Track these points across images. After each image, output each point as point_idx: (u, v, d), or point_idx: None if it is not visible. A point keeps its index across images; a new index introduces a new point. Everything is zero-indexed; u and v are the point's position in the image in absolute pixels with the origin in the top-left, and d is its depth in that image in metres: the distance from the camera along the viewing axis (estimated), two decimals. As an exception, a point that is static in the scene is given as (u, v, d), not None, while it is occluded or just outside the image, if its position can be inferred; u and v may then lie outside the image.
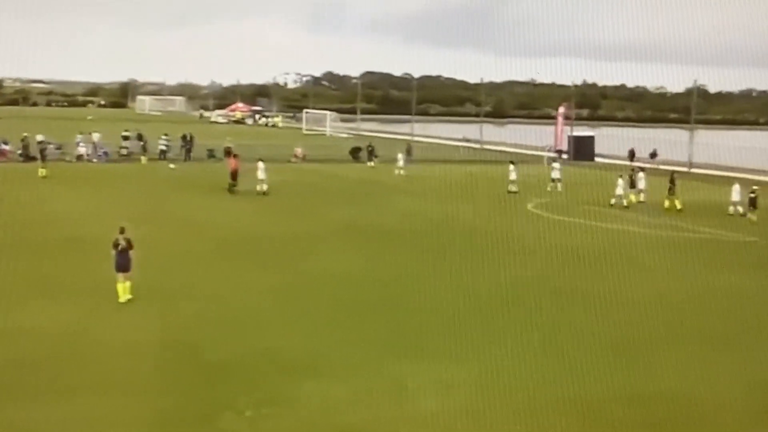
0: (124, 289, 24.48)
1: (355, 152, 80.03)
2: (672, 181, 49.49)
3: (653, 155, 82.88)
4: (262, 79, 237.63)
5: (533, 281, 29.00)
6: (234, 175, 50.74)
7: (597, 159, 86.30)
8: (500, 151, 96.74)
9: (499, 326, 23.14)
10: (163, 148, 73.29)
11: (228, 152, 72.19)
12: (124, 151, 74.15)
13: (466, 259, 32.56)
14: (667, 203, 48.74)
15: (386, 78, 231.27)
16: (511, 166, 56.69)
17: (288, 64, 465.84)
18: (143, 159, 69.95)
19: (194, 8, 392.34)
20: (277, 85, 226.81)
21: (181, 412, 16.90)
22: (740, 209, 46.69)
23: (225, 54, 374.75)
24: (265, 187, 50.70)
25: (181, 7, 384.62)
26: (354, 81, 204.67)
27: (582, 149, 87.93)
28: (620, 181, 50.53)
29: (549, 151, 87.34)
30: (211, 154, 73.86)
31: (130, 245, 24.58)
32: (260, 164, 51.88)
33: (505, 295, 26.88)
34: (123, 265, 24.48)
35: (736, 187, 47.70)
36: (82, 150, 69.92)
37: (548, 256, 33.77)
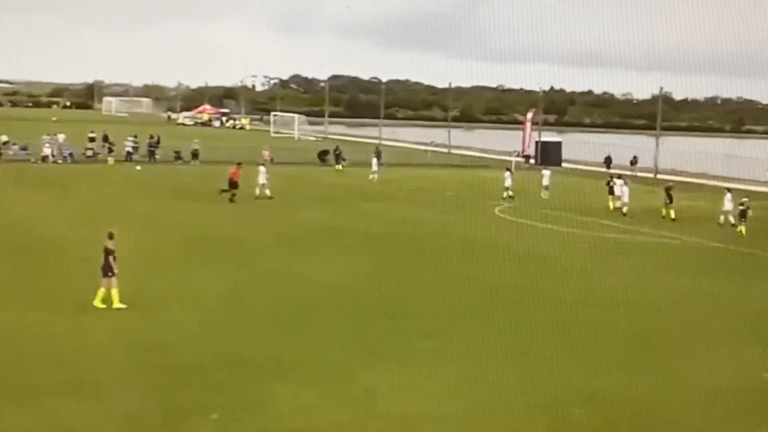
0: (99, 295, 23.95)
1: (322, 155, 79.87)
2: (668, 192, 48.77)
3: (633, 162, 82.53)
4: (229, 82, 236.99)
5: (513, 287, 28.97)
6: (233, 183, 48.70)
7: (564, 164, 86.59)
8: (468, 156, 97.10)
9: (469, 329, 23.10)
10: (130, 149, 72.76)
11: (194, 154, 72.03)
12: (89, 152, 73.48)
13: (439, 263, 32.61)
14: (663, 212, 48.25)
15: (354, 81, 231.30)
16: (507, 173, 56.35)
17: (256, 67, 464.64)
18: (110, 160, 69.36)
19: (161, 9, 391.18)
20: (244, 87, 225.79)
21: (147, 415, 16.66)
22: (731, 219, 45.53)
23: (192, 56, 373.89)
24: (267, 191, 50.21)
25: (149, 8, 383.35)
26: (322, 84, 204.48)
27: (549, 154, 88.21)
28: (625, 189, 50.16)
29: (516, 156, 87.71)
30: (177, 156, 73.42)
31: (110, 251, 24.05)
32: (261, 168, 51.64)
33: (478, 299, 26.92)
34: (105, 270, 24.05)
35: (728, 196, 46.70)
36: (47, 151, 69.17)
37: (519, 261, 33.83)
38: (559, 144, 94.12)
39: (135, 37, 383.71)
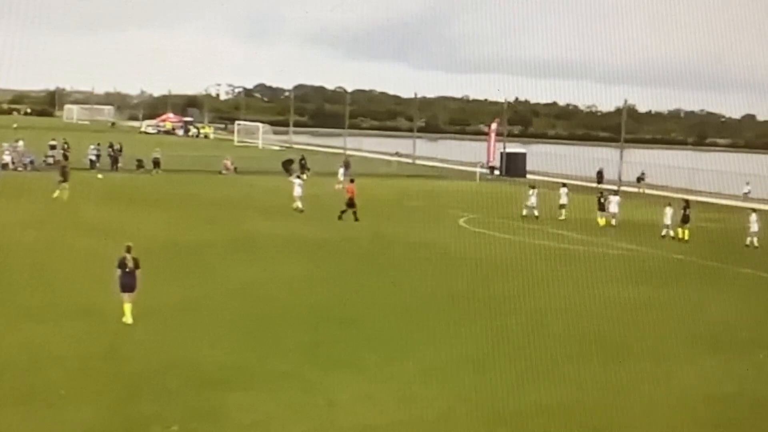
0: (127, 310, 23.47)
1: (287, 165, 79.48)
2: (685, 210, 45.98)
3: (640, 179, 79.23)
4: (193, 90, 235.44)
5: (471, 298, 28.86)
6: (351, 202, 46.96)
7: (528, 176, 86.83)
8: (433, 166, 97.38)
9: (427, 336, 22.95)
10: (92, 158, 72.04)
11: (155, 163, 71.33)
12: (50, 160, 72.64)
13: (398, 273, 32.50)
14: (681, 233, 45.49)
15: (319, 91, 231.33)
16: (531, 190, 52.80)
17: (220, 75, 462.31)
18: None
19: (124, 16, 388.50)
20: (208, 96, 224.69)
21: (104, 428, 16.29)
22: (755, 241, 44.03)
23: (156, 64, 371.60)
24: (299, 204, 49.58)
25: (111, 14, 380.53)
26: (286, 93, 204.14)
27: (514, 165, 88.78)
28: (668, 210, 46.35)
29: (482, 167, 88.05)
30: (140, 165, 72.79)
31: (136, 265, 23.60)
32: (297, 180, 51.57)
33: (436, 309, 26.79)
34: (129, 285, 23.51)
35: (753, 217, 44.50)
36: (7, 158, 68.31)
37: (479, 271, 33.77)
38: (523, 155, 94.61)
39: (97, 44, 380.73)
